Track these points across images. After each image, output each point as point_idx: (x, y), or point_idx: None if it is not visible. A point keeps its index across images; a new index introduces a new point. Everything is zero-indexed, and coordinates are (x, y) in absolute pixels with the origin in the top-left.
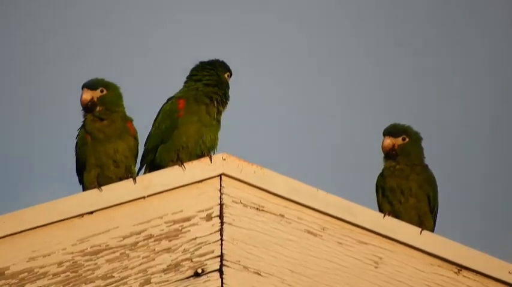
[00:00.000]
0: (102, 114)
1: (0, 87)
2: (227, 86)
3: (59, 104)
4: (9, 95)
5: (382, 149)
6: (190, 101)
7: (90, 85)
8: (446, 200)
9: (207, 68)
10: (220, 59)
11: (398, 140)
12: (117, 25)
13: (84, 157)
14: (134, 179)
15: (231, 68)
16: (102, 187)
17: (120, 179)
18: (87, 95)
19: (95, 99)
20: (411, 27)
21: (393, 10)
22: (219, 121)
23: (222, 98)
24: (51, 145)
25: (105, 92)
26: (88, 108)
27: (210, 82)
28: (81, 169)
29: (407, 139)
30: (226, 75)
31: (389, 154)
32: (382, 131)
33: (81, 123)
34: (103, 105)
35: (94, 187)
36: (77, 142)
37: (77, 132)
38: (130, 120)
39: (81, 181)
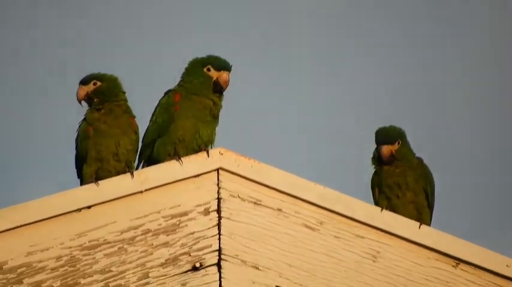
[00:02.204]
0: (98, 105)
1: None
2: (204, 81)
3: (57, 98)
4: (6, 89)
5: (383, 158)
6: (183, 96)
7: (83, 81)
8: (443, 192)
9: (186, 66)
10: (211, 54)
11: (395, 146)
12: (117, 19)
13: (86, 149)
14: (132, 174)
15: (219, 59)
16: (100, 182)
17: (119, 173)
18: (81, 91)
19: (90, 92)
20: (419, 39)
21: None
22: (215, 117)
23: (203, 95)
24: (48, 138)
25: (98, 84)
26: (87, 103)
27: (186, 80)
28: (81, 162)
29: (401, 141)
30: (205, 70)
31: (389, 161)
32: (375, 137)
33: (83, 117)
34: (99, 97)
35: (91, 182)
36: (78, 135)
37: (77, 126)
38: (133, 117)
39: (79, 175)
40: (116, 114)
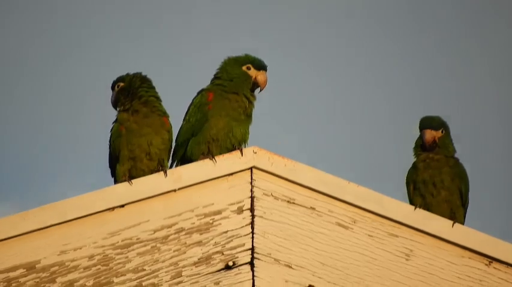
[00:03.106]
0: (125, 106)
1: (32, 78)
2: (244, 80)
3: (90, 98)
4: (40, 88)
5: (425, 142)
6: (217, 95)
7: (111, 86)
8: (477, 191)
9: (222, 64)
10: (248, 53)
11: (438, 133)
12: (146, 21)
13: (118, 149)
14: (165, 172)
15: (258, 59)
16: (133, 180)
17: (152, 172)
18: (111, 96)
19: (116, 95)
20: (439, 27)
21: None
22: (249, 115)
23: (241, 93)
24: (83, 138)
25: (121, 85)
26: (119, 106)
27: (224, 78)
28: (114, 162)
29: (444, 131)
30: (244, 68)
31: (430, 147)
32: (419, 124)
33: (115, 118)
34: (123, 98)
35: (125, 180)
36: (111, 134)
37: (111, 126)
38: (167, 116)
39: (113, 174)
40: (144, 114)
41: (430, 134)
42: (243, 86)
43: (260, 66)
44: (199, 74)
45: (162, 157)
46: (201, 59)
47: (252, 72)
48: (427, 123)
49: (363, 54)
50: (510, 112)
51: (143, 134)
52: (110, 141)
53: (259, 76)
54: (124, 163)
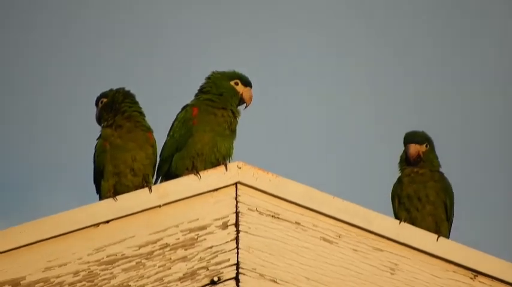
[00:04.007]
0: (108, 121)
1: (16, 94)
2: (232, 95)
3: (76, 116)
4: (25, 102)
5: (409, 156)
6: (202, 110)
7: (95, 102)
8: (460, 205)
9: (209, 79)
10: (233, 69)
11: (423, 147)
12: (135, 35)
13: (103, 164)
14: (150, 188)
15: (245, 76)
16: (118, 196)
17: (137, 188)
18: (96, 112)
19: (99, 111)
20: (428, 37)
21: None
22: (233, 131)
23: (229, 108)
24: (69, 154)
25: (104, 101)
26: (103, 122)
27: (213, 92)
28: (98, 178)
29: (428, 146)
30: (232, 83)
31: (415, 161)
32: (403, 138)
33: (99, 134)
34: (107, 112)
35: (110, 196)
36: (95, 150)
37: (95, 142)
38: (151, 131)
39: (98, 190)
40: (127, 129)
41: (414, 149)
42: (231, 101)
43: (247, 82)
44: (184, 89)
45: (147, 172)
46: (185, 74)
47: (240, 88)
48: (412, 137)
49: (350, 68)
50: (495, 127)
51: (127, 150)
52: (94, 157)
53: (246, 93)
54: (108, 178)
